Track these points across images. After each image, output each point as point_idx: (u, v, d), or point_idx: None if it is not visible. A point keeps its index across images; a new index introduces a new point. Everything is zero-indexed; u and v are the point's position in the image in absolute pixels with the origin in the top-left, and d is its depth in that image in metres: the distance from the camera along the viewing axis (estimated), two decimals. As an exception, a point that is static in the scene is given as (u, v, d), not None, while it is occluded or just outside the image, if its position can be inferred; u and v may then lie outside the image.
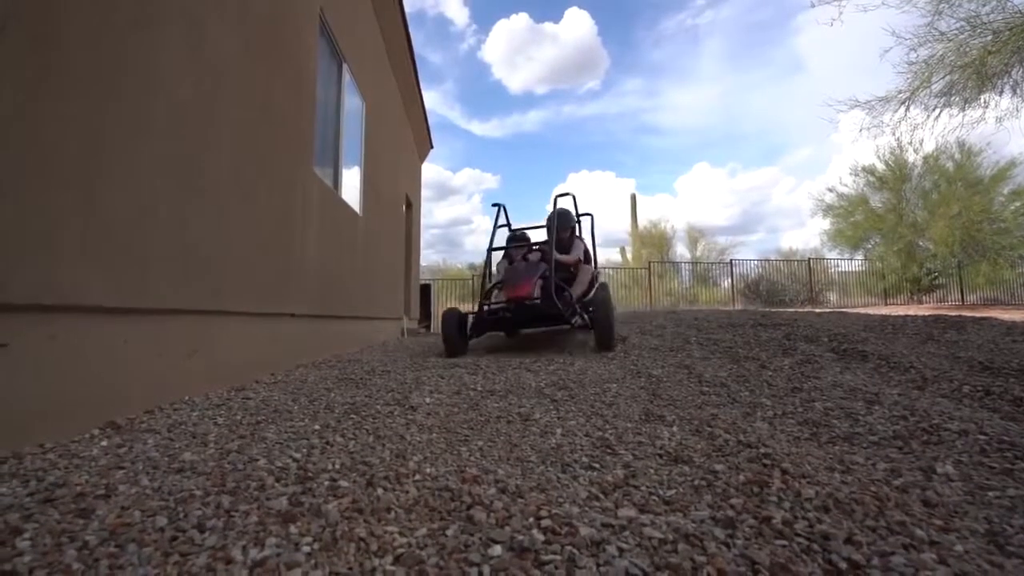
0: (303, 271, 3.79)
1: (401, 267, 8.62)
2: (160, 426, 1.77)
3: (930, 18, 5.93)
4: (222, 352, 2.66)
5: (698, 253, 21.01)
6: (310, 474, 1.21)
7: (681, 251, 21.61)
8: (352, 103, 5.40)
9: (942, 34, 5.69)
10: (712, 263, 19.19)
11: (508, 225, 4.64)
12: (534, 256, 3.59)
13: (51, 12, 1.57)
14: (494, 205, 3.93)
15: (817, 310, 8.50)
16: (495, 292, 3.44)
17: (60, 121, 1.60)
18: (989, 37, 5.32)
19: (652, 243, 20.87)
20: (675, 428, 1.70)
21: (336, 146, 4.93)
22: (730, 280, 17.00)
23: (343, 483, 1.15)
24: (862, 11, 5.92)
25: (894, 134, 6.79)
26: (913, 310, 12.44)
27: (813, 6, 6.64)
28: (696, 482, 1.18)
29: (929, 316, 4.15)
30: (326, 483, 1.15)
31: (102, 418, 1.78)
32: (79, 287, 1.67)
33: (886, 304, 15.97)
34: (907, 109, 6.54)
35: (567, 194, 3.84)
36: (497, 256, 4.14)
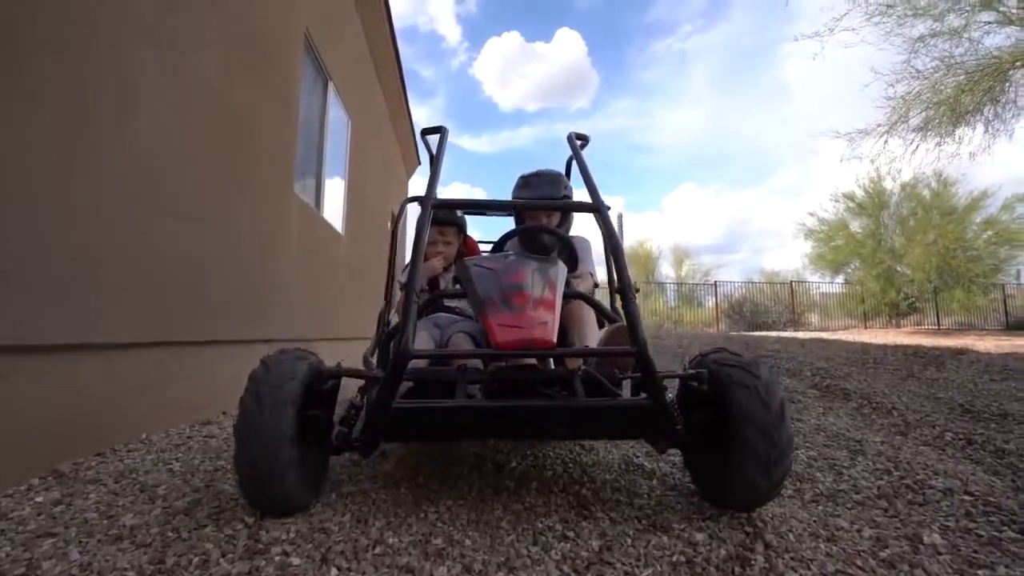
0: (281, 295, 3.68)
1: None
2: (107, 474, 1.64)
3: (907, 56, 6.13)
4: (187, 384, 2.54)
5: (683, 273, 21.23)
6: (261, 545, 1.11)
7: (666, 270, 21.82)
8: (337, 121, 5.35)
9: (918, 72, 5.88)
10: (697, 284, 19.37)
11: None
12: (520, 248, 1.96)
13: (9, 30, 1.49)
14: (429, 132, 1.98)
15: (799, 335, 8.56)
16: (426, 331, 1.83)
17: (4, 146, 1.51)
18: (963, 77, 5.52)
19: (638, 263, 21.03)
20: (655, 482, 1.64)
21: (319, 165, 4.86)
22: (714, 301, 17.15)
23: (295, 560, 1.06)
24: (843, 47, 6.07)
25: (872, 163, 6.95)
26: (892, 334, 12.64)
27: (796, 40, 6.82)
28: (675, 557, 1.11)
29: (909, 349, 4.17)
30: (276, 558, 1.06)
31: (45, 466, 1.66)
32: (17, 326, 1.56)
33: (865, 327, 16.22)
34: (886, 142, 6.71)
35: (584, 137, 1.96)
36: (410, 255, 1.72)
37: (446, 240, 2.28)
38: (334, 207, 5.37)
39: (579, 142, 2.07)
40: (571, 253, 1.81)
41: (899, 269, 14.55)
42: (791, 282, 17.64)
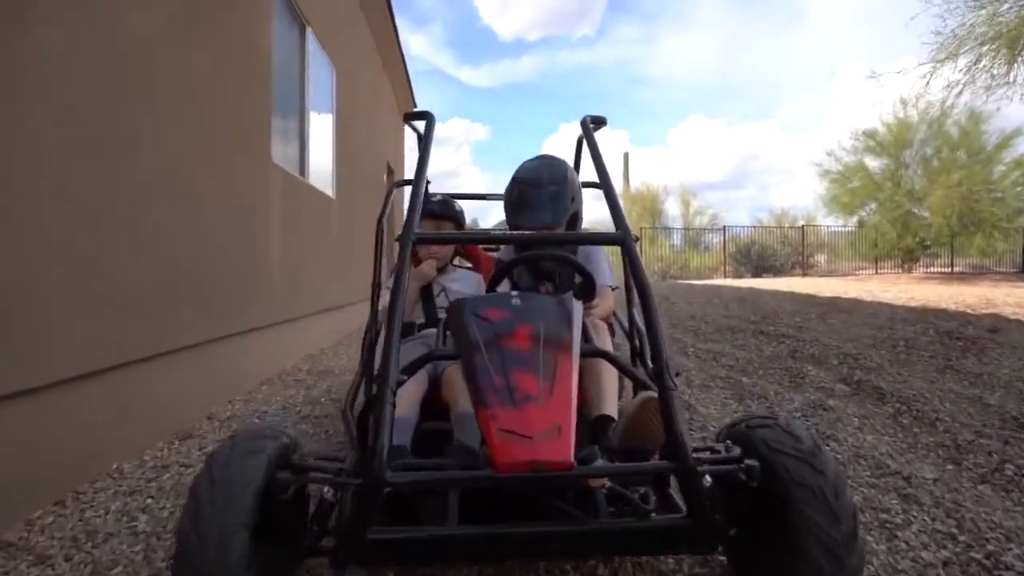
0: (266, 278, 3.40)
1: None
2: (60, 543, 1.45)
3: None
4: (164, 397, 2.32)
5: (691, 213, 20.56)
6: None
7: (671, 208, 21.17)
8: (319, 72, 4.81)
9: (976, 0, 5.16)
10: (705, 229, 18.86)
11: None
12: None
13: None
14: (413, 117, 1.66)
15: (809, 288, 8.26)
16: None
17: None
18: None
19: (643, 204, 20.40)
20: (683, 547, 1.43)
21: (302, 126, 4.40)
22: (722, 246, 16.72)
23: None
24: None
25: (911, 106, 6.32)
26: (904, 280, 12.33)
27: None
28: None
29: (940, 326, 3.90)
30: None
31: (-9, 533, 1.46)
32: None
33: (876, 271, 15.93)
34: (927, 84, 6.08)
35: (600, 120, 1.64)
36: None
37: None
38: (322, 169, 4.95)
39: (594, 127, 1.70)
40: (587, 281, 1.50)
41: (916, 212, 13.98)
42: (803, 226, 17.12)
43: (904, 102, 6.63)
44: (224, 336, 2.85)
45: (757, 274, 15.87)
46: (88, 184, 1.83)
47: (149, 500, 1.72)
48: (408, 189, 1.49)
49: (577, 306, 1.29)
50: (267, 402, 2.92)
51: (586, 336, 1.31)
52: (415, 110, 1.78)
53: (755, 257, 16.77)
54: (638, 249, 1.27)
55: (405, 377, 1.04)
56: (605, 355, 1.22)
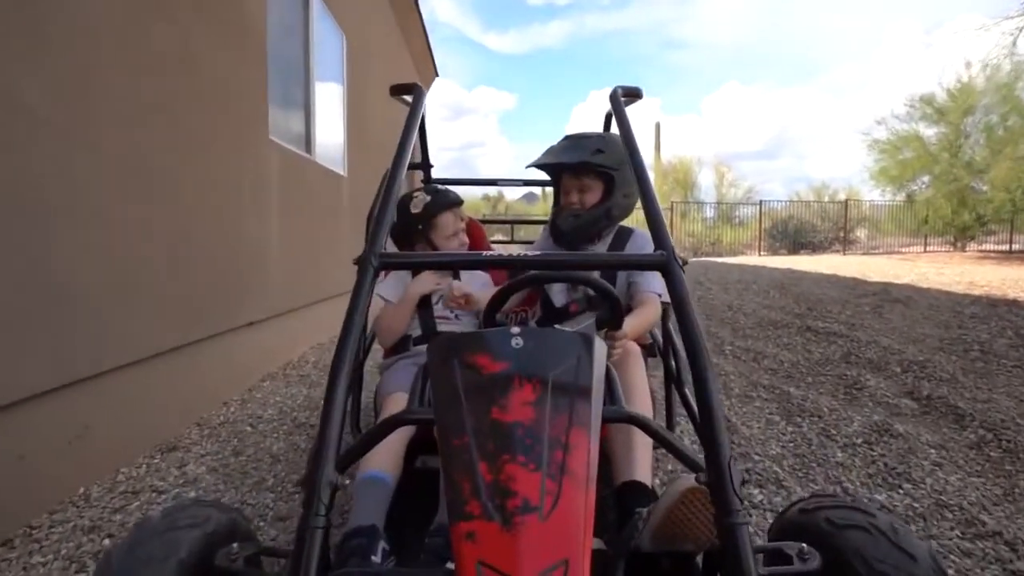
0: (264, 266, 3.17)
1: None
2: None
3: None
4: (141, 407, 2.11)
5: (724, 186, 19.57)
6: None
7: (705, 182, 20.22)
8: (327, 39, 4.46)
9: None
10: (740, 203, 17.95)
11: (425, 162, 2.28)
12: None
13: None
14: (401, 90, 1.45)
15: (853, 272, 7.67)
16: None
17: None
18: None
19: (676, 178, 19.53)
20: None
21: (306, 98, 4.09)
22: (758, 222, 15.88)
23: None
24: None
25: (972, 69, 5.58)
26: (957, 259, 11.44)
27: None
28: None
29: (1022, 326, 3.42)
30: None
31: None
32: None
33: (925, 249, 14.92)
34: (1014, 42, 5.32)
35: (635, 93, 1.39)
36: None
37: (464, 228, 1.76)
38: (331, 145, 4.65)
39: (626, 100, 1.39)
40: (615, 312, 1.18)
41: (975, 186, 12.86)
42: (846, 200, 16.08)
43: (969, 64, 5.85)
44: (214, 334, 2.63)
45: (794, 251, 15.06)
46: (34, 175, 1.58)
47: (106, 541, 1.52)
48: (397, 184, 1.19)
49: (600, 346, 0.96)
50: (264, 404, 2.72)
51: (611, 386, 0.99)
52: (402, 83, 1.47)
53: (792, 233, 15.90)
54: (671, 224, 0.94)
55: (347, 481, 0.76)
56: (635, 420, 0.91)
